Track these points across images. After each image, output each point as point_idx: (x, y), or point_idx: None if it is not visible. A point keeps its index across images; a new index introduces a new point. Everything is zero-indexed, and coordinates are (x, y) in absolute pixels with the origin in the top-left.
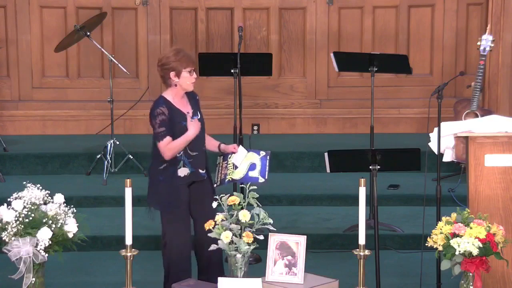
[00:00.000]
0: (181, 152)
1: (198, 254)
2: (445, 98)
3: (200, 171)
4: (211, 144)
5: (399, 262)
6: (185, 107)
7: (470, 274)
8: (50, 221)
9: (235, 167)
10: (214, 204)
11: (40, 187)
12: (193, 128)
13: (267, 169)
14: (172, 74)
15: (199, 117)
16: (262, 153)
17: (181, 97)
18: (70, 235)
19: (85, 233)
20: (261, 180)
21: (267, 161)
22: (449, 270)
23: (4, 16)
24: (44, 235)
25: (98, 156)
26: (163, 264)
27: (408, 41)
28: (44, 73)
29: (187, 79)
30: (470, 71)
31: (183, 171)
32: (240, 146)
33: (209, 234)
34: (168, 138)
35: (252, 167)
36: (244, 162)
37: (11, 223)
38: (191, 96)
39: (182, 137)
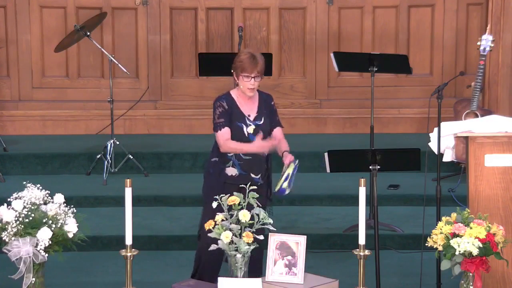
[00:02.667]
0: (233, 154)
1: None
2: (445, 98)
3: (253, 176)
4: (279, 148)
5: (399, 262)
6: (249, 109)
7: (470, 274)
8: (50, 221)
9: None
10: (214, 204)
11: (40, 187)
12: (257, 147)
13: (293, 179)
14: (234, 74)
15: (261, 122)
16: (296, 162)
17: (246, 98)
18: (70, 235)
19: (85, 233)
20: (288, 191)
21: (296, 170)
22: (449, 270)
23: (4, 16)
24: (44, 235)
25: (98, 156)
26: (194, 257)
27: (408, 41)
28: (44, 73)
29: (242, 83)
30: (470, 71)
31: (231, 171)
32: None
33: (209, 234)
34: (226, 129)
35: (286, 178)
36: (285, 173)
37: (11, 223)
38: (264, 98)
39: (244, 145)
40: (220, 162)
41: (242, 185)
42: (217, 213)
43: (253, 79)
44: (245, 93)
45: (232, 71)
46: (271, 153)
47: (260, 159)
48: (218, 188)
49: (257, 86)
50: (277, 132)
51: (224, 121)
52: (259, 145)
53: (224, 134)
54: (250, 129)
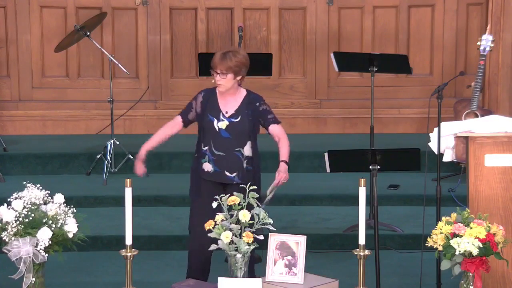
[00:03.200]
0: (206, 147)
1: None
2: (445, 98)
3: (227, 173)
4: (279, 150)
5: (399, 262)
6: (227, 105)
7: (470, 274)
8: (50, 221)
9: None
10: (214, 204)
11: (40, 187)
12: (135, 166)
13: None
14: None
15: (237, 120)
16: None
17: (228, 95)
18: (70, 235)
19: (85, 233)
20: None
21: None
22: (449, 270)
23: (4, 16)
24: (44, 235)
25: (98, 156)
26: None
27: (408, 41)
28: (44, 73)
29: (213, 78)
30: (470, 71)
31: (207, 166)
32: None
33: (209, 234)
34: (177, 117)
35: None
36: (271, 193)
37: (11, 223)
38: (250, 100)
39: (153, 139)
40: (198, 156)
41: (218, 182)
42: (199, 211)
43: (218, 75)
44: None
45: None
46: (253, 155)
47: (234, 157)
48: (197, 184)
49: (225, 83)
50: (273, 129)
51: (184, 111)
52: (140, 153)
53: (173, 119)
54: (222, 125)
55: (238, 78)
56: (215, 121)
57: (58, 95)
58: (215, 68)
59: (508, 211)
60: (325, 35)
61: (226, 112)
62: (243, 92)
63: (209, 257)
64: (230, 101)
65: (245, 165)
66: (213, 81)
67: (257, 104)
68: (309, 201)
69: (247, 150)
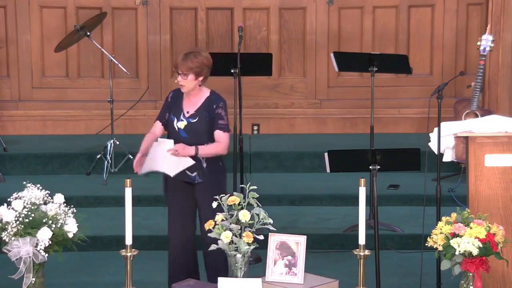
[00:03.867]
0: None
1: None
2: (445, 98)
3: (189, 173)
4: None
5: (399, 262)
6: (189, 106)
7: (470, 274)
8: (50, 221)
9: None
10: (214, 204)
11: (40, 187)
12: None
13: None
14: None
15: (195, 120)
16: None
17: (192, 95)
18: (70, 235)
19: (85, 233)
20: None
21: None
22: (449, 270)
23: (4, 16)
24: (44, 235)
25: (98, 156)
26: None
27: (408, 41)
28: (44, 73)
29: (177, 79)
30: (470, 71)
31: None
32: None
33: (209, 234)
34: (156, 122)
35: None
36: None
37: (11, 223)
38: (208, 101)
39: (141, 147)
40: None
41: (183, 181)
42: (172, 212)
43: (179, 76)
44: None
45: None
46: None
47: (192, 157)
48: (168, 182)
49: (186, 83)
50: (216, 134)
51: (160, 114)
52: (137, 156)
53: (153, 126)
54: (181, 124)
55: (200, 78)
56: (175, 120)
57: (58, 95)
58: (177, 68)
59: (508, 211)
60: (325, 35)
61: (187, 112)
62: (206, 93)
63: (192, 258)
64: (193, 101)
65: (204, 164)
66: (176, 81)
67: (214, 106)
68: (309, 201)
69: None
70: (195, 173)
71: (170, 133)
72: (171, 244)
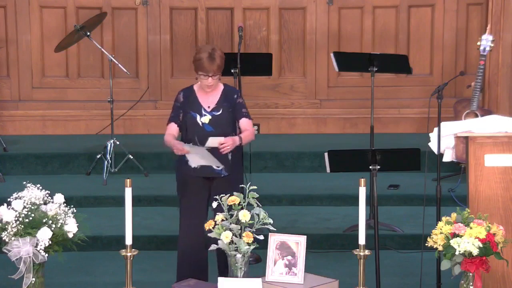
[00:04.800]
0: (191, 144)
1: (217, 255)
2: (445, 98)
3: (215, 167)
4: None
5: (399, 262)
6: (207, 101)
7: (470, 274)
8: (50, 221)
9: None
10: (214, 204)
11: (40, 187)
12: (173, 146)
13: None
14: (194, 67)
15: (219, 113)
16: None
17: (204, 91)
18: (70, 235)
19: (85, 233)
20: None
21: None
22: (449, 270)
23: (4, 16)
24: (44, 235)
25: (98, 156)
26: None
27: (408, 41)
28: (44, 73)
29: (200, 80)
30: (470, 71)
31: (194, 162)
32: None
33: (209, 234)
34: (172, 124)
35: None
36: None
37: (11, 223)
38: (227, 93)
39: (170, 141)
40: (184, 155)
41: (204, 177)
42: (187, 211)
43: (210, 78)
44: (204, 88)
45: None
46: (235, 149)
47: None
48: (184, 182)
49: (215, 83)
50: (243, 122)
51: (173, 116)
52: (173, 144)
53: (169, 127)
54: (205, 119)
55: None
56: (198, 116)
57: (58, 95)
58: (207, 72)
59: (508, 211)
60: (325, 35)
61: (208, 107)
62: (220, 86)
63: (203, 257)
64: (210, 96)
65: (230, 157)
66: (199, 82)
67: (235, 96)
68: (309, 201)
69: None
70: (221, 167)
71: (191, 130)
72: (182, 243)
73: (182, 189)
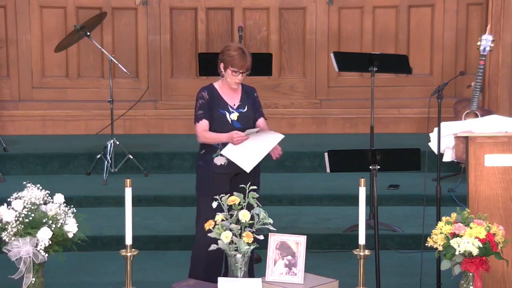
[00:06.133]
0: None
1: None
2: (445, 98)
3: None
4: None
5: (399, 262)
6: (232, 98)
7: (470, 274)
8: (50, 221)
9: None
10: (214, 204)
11: (40, 187)
12: (226, 137)
13: None
14: (221, 65)
15: (245, 110)
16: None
17: (229, 89)
18: (70, 235)
19: (85, 233)
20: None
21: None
22: (449, 270)
23: (4, 16)
24: (44, 235)
25: (98, 156)
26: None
27: (408, 41)
28: (44, 73)
29: (229, 77)
30: (470, 71)
31: (219, 160)
32: None
33: (209, 234)
34: (204, 121)
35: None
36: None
37: (11, 223)
38: (246, 90)
39: (218, 135)
40: (208, 153)
41: (230, 173)
42: (212, 208)
43: (241, 74)
44: (230, 86)
45: (218, 61)
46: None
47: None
48: (209, 179)
49: (242, 80)
50: (260, 121)
51: (203, 113)
52: (228, 136)
53: (202, 125)
54: (234, 116)
55: None
56: (227, 114)
57: (58, 95)
58: (239, 68)
59: (508, 211)
60: (325, 35)
61: (234, 105)
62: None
63: (218, 258)
64: (232, 94)
65: None
66: (226, 79)
67: (255, 94)
68: (309, 201)
69: None
70: None
71: (219, 127)
72: (199, 242)
73: (206, 188)
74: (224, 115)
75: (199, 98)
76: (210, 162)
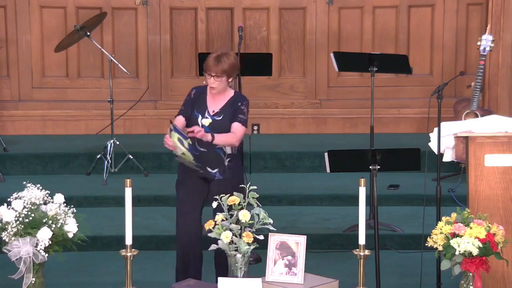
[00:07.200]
0: (190, 145)
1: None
2: (445, 98)
3: (210, 169)
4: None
5: (399, 262)
6: (214, 104)
7: (470, 274)
8: (50, 221)
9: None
10: (214, 204)
11: (40, 187)
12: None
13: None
14: None
15: (220, 118)
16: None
17: (216, 94)
18: (70, 235)
19: (85, 233)
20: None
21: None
22: (449, 270)
23: (4, 16)
24: (44, 235)
25: (98, 156)
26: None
27: (408, 41)
28: (44, 73)
29: (206, 80)
30: (470, 71)
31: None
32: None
33: (209, 234)
34: (179, 117)
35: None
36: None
37: (11, 223)
38: (235, 99)
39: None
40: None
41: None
42: (182, 208)
43: (212, 77)
44: (210, 91)
45: None
46: (236, 152)
47: (215, 154)
48: (183, 177)
49: (218, 85)
50: (233, 125)
51: (183, 109)
52: (195, 130)
53: (177, 120)
54: (206, 122)
55: (230, 80)
56: (200, 117)
57: (58, 95)
58: (210, 71)
59: (508, 211)
60: (325, 35)
61: (213, 111)
62: (230, 93)
63: (197, 254)
64: (217, 100)
65: (226, 162)
66: (204, 82)
67: (239, 103)
68: (309, 201)
69: (228, 148)
70: (216, 170)
71: (190, 127)
72: (180, 242)
73: (180, 184)
74: (196, 118)
75: (187, 95)
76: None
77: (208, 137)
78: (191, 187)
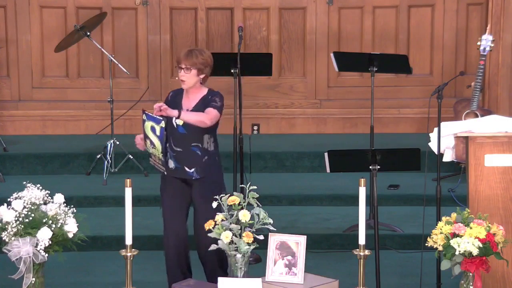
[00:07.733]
0: (167, 145)
1: (200, 257)
2: (445, 98)
3: (187, 169)
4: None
5: (399, 262)
6: (188, 103)
7: (470, 274)
8: (50, 221)
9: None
10: (214, 204)
11: (40, 187)
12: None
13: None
14: None
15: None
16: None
17: (192, 93)
18: (70, 235)
19: (85, 233)
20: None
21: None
22: (449, 270)
23: (4, 16)
24: (44, 235)
25: (98, 156)
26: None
27: (408, 41)
28: (44, 73)
29: (178, 74)
30: (470, 71)
31: (170, 163)
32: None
33: (209, 234)
34: None
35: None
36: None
37: (11, 223)
38: (207, 96)
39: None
40: (165, 154)
41: (181, 178)
42: (166, 210)
43: (182, 70)
44: (182, 86)
45: None
46: (213, 148)
47: (191, 152)
48: (163, 181)
49: (188, 78)
50: (206, 109)
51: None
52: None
53: None
54: (180, 121)
55: (201, 76)
56: (174, 118)
57: (58, 95)
58: (180, 63)
59: (508, 211)
60: (325, 35)
61: (187, 110)
62: (204, 91)
63: (184, 259)
64: (191, 99)
65: (204, 159)
66: (177, 78)
67: (210, 97)
68: (309, 201)
69: (206, 144)
70: (193, 169)
71: (168, 130)
72: (167, 243)
73: (163, 189)
74: (170, 119)
75: (165, 98)
76: (166, 164)
77: (174, 112)
78: (174, 192)
